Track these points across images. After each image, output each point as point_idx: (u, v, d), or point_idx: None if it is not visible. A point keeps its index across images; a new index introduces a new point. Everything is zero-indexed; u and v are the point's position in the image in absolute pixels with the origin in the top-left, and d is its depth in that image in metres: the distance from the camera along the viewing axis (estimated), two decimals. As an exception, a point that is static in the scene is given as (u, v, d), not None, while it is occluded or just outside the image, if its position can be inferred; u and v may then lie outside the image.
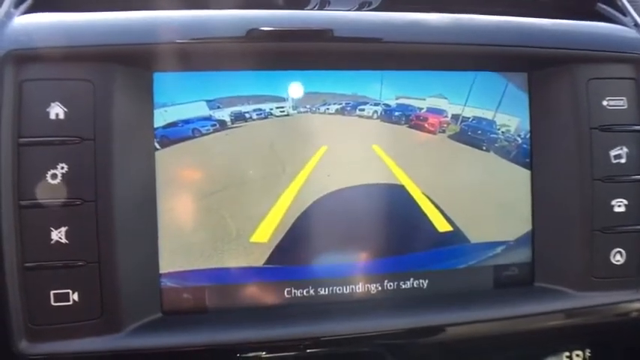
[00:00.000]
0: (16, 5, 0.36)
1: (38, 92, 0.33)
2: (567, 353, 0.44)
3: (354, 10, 0.40)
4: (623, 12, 0.44)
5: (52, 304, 0.33)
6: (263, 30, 0.36)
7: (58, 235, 0.33)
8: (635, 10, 0.44)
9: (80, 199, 0.33)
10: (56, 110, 0.33)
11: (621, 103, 0.40)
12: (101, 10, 0.36)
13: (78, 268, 0.33)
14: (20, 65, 0.33)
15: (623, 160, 0.40)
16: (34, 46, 0.33)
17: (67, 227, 0.33)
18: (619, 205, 0.40)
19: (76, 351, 0.33)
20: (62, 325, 0.33)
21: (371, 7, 0.40)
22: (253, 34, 0.36)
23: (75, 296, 0.33)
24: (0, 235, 0.32)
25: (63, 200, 0.33)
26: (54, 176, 0.33)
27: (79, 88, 0.34)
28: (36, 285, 0.33)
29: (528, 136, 0.41)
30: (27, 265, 0.32)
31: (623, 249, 0.41)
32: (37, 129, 0.33)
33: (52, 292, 0.33)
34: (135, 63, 0.35)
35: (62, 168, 0.33)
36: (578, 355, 0.45)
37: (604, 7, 0.45)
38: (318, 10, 0.40)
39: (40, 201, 0.33)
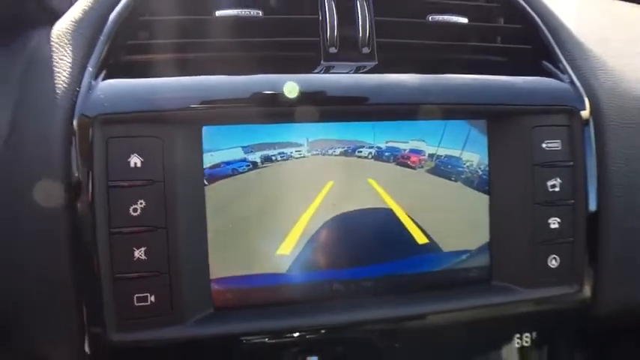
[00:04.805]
0: (96, 77, 0.46)
1: (121, 147, 0.44)
2: (518, 335, 0.57)
3: (352, 73, 0.51)
4: (562, 70, 0.56)
5: (135, 304, 0.44)
6: (286, 95, 0.47)
7: (139, 253, 0.44)
8: (571, 67, 0.57)
9: (155, 226, 0.45)
10: (135, 160, 0.44)
11: (557, 145, 0.52)
12: (162, 75, 0.47)
13: (154, 278, 0.45)
14: (106, 126, 0.44)
15: (557, 189, 0.52)
16: (116, 111, 0.44)
17: (145, 247, 0.44)
18: (554, 223, 0.52)
19: (152, 339, 0.45)
20: (142, 319, 0.45)
21: (364, 70, 0.52)
22: (277, 99, 0.47)
23: (152, 298, 0.45)
24: (97, 255, 0.43)
25: (142, 228, 0.44)
26: (135, 210, 0.44)
27: (151, 143, 0.45)
28: (123, 291, 0.44)
29: (487, 169, 0.53)
30: (117, 276, 0.44)
31: (557, 256, 0.53)
32: (121, 175, 0.44)
33: (135, 296, 0.44)
34: (190, 120, 0.47)
35: (141, 203, 0.44)
36: (526, 337, 0.58)
37: (547, 64, 0.57)
38: (323, 73, 0.51)
39: (125, 229, 0.44)
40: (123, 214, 0.44)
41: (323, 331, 0.49)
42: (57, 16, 0.52)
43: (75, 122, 0.44)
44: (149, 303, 0.45)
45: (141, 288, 0.44)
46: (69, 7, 0.52)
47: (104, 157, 0.44)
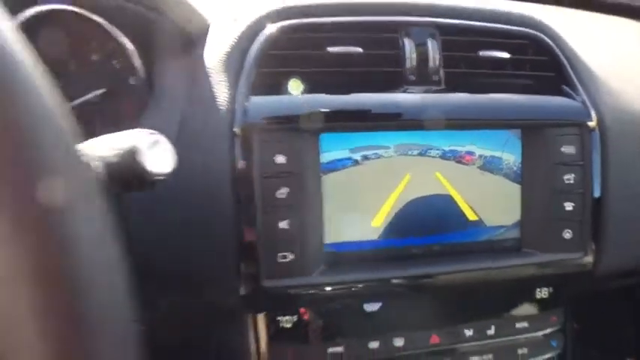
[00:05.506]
0: (247, 99, 0.64)
1: (270, 148, 0.62)
2: (539, 289, 0.77)
3: (426, 94, 0.70)
4: (576, 92, 0.75)
5: (278, 260, 0.63)
6: (377, 113, 0.66)
7: (283, 225, 0.63)
8: (583, 90, 0.75)
9: (293, 206, 0.63)
10: (280, 159, 0.62)
11: (572, 149, 0.71)
12: (289, 93, 0.65)
13: (291, 242, 0.63)
14: (260, 133, 0.62)
15: (571, 181, 0.71)
16: (267, 122, 0.62)
17: (288, 220, 0.63)
18: (568, 206, 0.71)
19: (289, 285, 0.64)
20: (283, 271, 0.63)
21: (434, 91, 0.70)
22: (373, 113, 0.65)
23: (291, 256, 0.63)
24: (255, 227, 0.62)
25: (286, 207, 0.63)
26: (281, 194, 0.62)
27: (289, 145, 0.63)
28: (271, 251, 0.63)
29: (520, 166, 0.72)
30: (267, 240, 0.62)
31: (571, 230, 0.72)
32: (271, 169, 0.62)
33: (278, 254, 0.63)
34: (312, 130, 0.65)
35: (285, 190, 0.63)
36: (546, 290, 0.78)
37: (565, 87, 0.75)
38: (401, 92, 0.69)
39: (274, 207, 0.62)
40: (272, 197, 0.62)
41: (403, 281, 0.68)
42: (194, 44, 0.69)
43: (237, 129, 0.62)
44: (288, 260, 0.63)
45: (283, 249, 0.63)
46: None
47: (260, 156, 0.62)
